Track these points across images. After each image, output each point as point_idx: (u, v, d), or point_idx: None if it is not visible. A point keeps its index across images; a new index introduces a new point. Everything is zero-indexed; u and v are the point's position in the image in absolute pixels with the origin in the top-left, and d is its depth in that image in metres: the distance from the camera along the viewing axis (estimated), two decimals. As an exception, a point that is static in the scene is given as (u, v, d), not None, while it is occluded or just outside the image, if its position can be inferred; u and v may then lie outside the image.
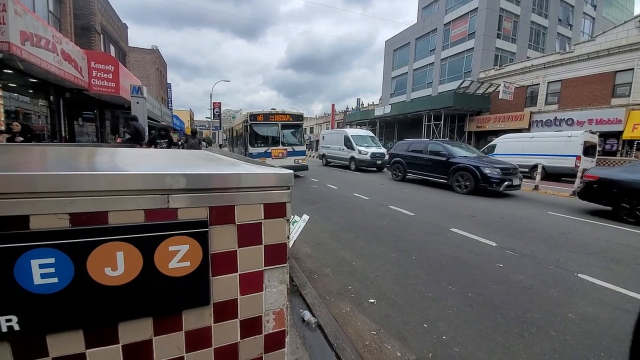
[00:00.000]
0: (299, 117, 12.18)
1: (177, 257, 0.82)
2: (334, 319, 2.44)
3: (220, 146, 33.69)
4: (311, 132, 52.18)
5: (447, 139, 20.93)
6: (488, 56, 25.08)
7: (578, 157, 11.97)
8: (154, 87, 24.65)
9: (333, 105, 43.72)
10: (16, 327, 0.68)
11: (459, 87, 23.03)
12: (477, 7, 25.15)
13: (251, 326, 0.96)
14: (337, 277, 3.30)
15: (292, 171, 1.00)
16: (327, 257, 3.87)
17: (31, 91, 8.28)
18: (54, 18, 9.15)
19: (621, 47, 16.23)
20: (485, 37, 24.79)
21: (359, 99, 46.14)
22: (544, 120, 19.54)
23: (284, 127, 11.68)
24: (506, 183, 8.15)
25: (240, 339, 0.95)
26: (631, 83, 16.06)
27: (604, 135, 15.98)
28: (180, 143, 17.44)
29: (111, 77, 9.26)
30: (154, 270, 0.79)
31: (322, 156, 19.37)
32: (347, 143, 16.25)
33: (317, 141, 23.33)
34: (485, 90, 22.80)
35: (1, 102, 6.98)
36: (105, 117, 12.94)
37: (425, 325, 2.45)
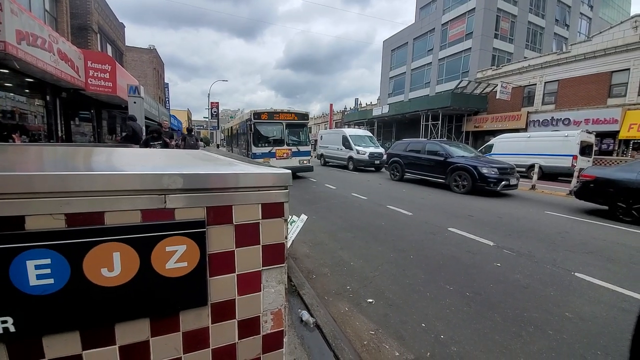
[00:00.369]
0: (305, 116, 11.70)
1: (175, 258, 0.81)
2: (332, 318, 2.45)
3: (218, 146, 33.58)
4: (310, 131, 52.11)
5: (445, 139, 21.01)
6: (485, 56, 25.16)
7: (575, 157, 12.05)
8: (151, 86, 24.54)
9: (331, 105, 43.72)
10: (12, 329, 0.68)
11: (456, 87, 23.11)
12: (474, 7, 25.22)
13: (249, 326, 0.96)
14: (336, 277, 3.31)
15: (289, 171, 0.99)
16: (325, 257, 3.88)
17: (27, 91, 8.22)
18: (50, 17, 9.09)
19: (617, 48, 16.34)
20: (483, 37, 24.86)
21: (357, 98, 46.17)
22: (541, 120, 19.64)
23: (289, 126, 11.17)
24: (503, 183, 8.19)
25: (238, 339, 0.94)
26: (627, 83, 16.17)
27: (601, 135, 16.09)
28: (177, 144, 17.25)
29: (108, 77, 9.20)
30: (150, 271, 0.79)
31: (321, 156, 19.36)
32: (345, 143, 16.25)
33: (315, 141, 23.31)
34: (483, 90, 22.89)
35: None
36: (102, 117, 12.86)
37: (423, 324, 2.45)
